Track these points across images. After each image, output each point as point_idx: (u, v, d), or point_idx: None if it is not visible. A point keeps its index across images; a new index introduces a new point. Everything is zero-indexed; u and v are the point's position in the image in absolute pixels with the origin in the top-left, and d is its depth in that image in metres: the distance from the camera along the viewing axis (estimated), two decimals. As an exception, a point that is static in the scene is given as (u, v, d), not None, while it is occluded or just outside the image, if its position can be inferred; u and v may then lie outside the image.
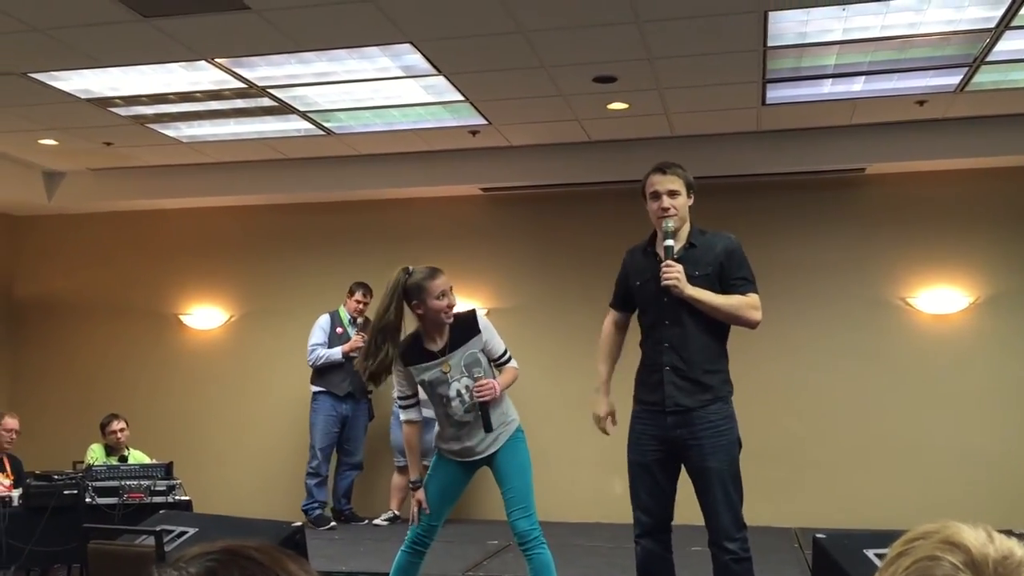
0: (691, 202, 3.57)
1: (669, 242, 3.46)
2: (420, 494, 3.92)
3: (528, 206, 7.73)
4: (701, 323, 3.46)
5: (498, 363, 3.99)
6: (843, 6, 4.80)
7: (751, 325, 3.50)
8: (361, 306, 7.10)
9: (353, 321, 7.14)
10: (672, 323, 3.45)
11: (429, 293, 3.81)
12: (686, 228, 3.56)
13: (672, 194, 3.51)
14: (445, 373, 3.85)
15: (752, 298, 3.47)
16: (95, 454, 6.47)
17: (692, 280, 3.45)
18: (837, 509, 6.78)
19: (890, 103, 6.32)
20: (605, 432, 3.70)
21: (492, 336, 3.96)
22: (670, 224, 3.47)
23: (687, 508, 3.69)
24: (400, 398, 3.99)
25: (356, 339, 6.89)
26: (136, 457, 6.51)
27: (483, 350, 3.91)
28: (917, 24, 5.06)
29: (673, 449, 3.49)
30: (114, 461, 6.27)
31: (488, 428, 3.86)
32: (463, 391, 3.85)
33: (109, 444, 6.54)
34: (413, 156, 7.44)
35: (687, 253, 3.52)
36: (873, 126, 6.78)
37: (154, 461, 6.08)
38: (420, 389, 3.94)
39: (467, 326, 3.91)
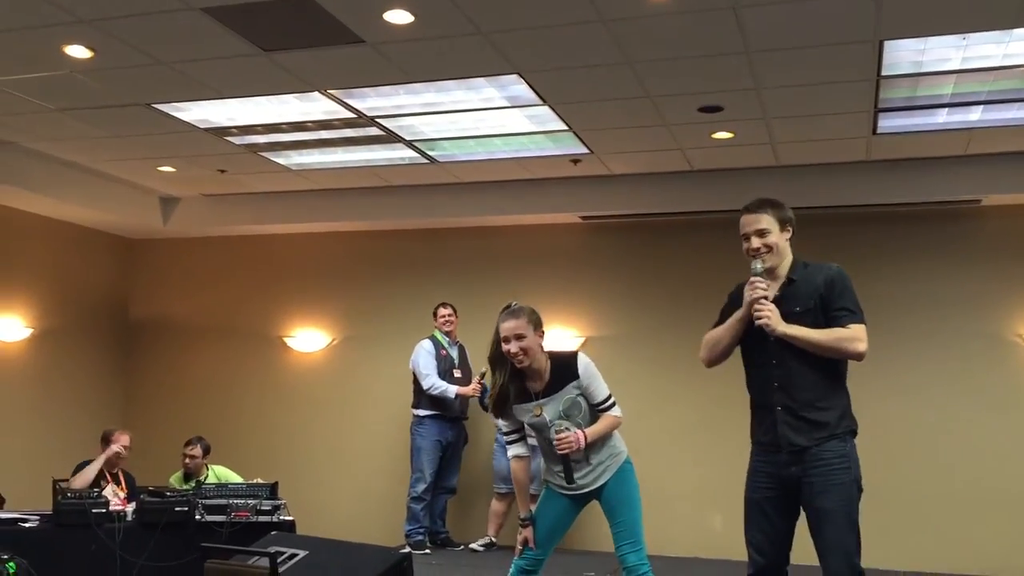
0: (788, 236, 3.49)
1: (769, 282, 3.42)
2: (528, 531, 3.86)
3: (627, 235, 7.71)
4: (807, 359, 3.36)
5: (599, 408, 3.86)
6: (962, 35, 4.67)
7: (855, 357, 3.39)
8: (449, 320, 7.22)
9: (452, 341, 7.22)
10: (779, 362, 3.36)
11: (499, 334, 3.80)
12: (786, 263, 3.48)
13: (761, 233, 3.44)
14: (537, 416, 3.82)
15: (853, 329, 3.34)
16: (175, 484, 6.44)
17: (791, 317, 3.36)
18: (948, 554, 6.51)
19: (1008, 133, 6.10)
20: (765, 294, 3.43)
21: (592, 380, 3.83)
22: (758, 265, 3.43)
23: (807, 549, 3.56)
24: (505, 433, 3.98)
25: (473, 387, 6.99)
26: (218, 474, 6.48)
27: (583, 394, 3.82)
28: (1041, 52, 4.89)
29: (787, 487, 3.39)
30: (190, 487, 6.27)
31: (570, 480, 3.83)
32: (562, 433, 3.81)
33: (185, 470, 6.55)
34: (514, 184, 7.51)
35: (787, 289, 3.44)
36: (989, 156, 6.55)
37: (256, 480, 6.19)
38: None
39: (566, 369, 3.83)
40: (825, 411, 3.36)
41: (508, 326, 3.78)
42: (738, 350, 3.59)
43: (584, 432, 3.77)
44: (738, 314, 3.46)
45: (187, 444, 6.61)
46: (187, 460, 6.54)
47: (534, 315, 3.83)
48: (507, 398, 3.84)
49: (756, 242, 3.43)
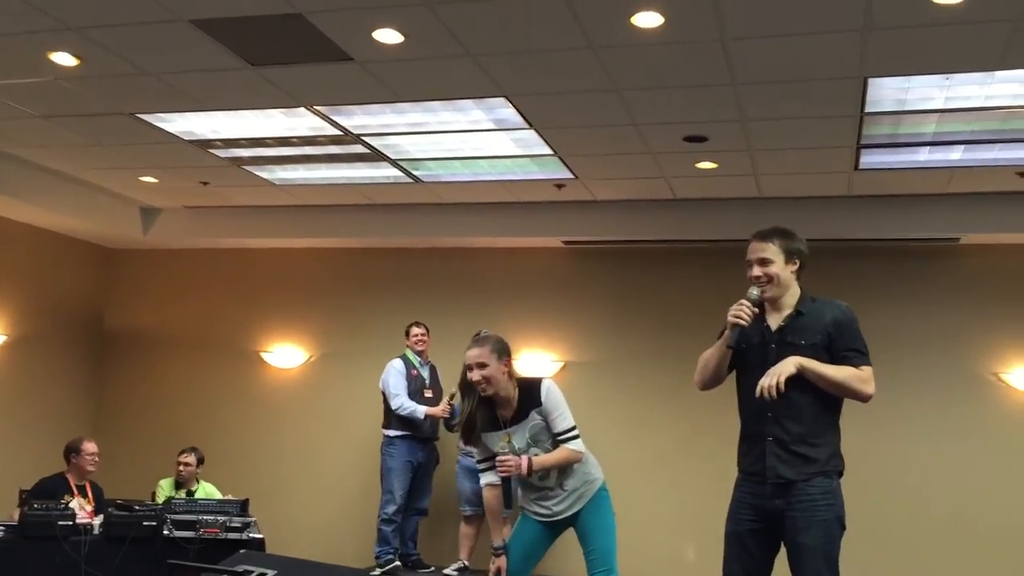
0: (794, 268, 3.47)
1: (755, 310, 3.39)
2: (501, 561, 3.82)
3: (610, 261, 7.72)
4: (808, 394, 3.32)
5: (559, 438, 3.81)
6: (946, 75, 4.73)
7: (862, 398, 3.37)
8: (421, 339, 7.19)
9: (423, 361, 7.19)
10: (778, 393, 3.33)
11: (465, 362, 3.80)
12: (793, 295, 3.47)
13: (763, 262, 3.43)
14: (506, 444, 3.79)
15: (864, 371, 3.34)
16: (165, 489, 6.56)
17: (795, 349, 3.34)
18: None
19: (989, 173, 6.17)
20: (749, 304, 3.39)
21: (555, 409, 3.80)
22: (754, 292, 3.41)
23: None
24: (478, 461, 3.96)
25: (442, 408, 6.96)
26: (206, 491, 6.59)
27: (545, 421, 3.80)
28: (1022, 96, 4.95)
29: (770, 520, 3.36)
30: (182, 495, 6.35)
31: (508, 505, 3.82)
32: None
33: (178, 478, 6.64)
34: (497, 207, 7.51)
35: (794, 322, 3.42)
36: (970, 195, 6.62)
37: (228, 496, 6.15)
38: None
39: (531, 396, 3.81)
40: (816, 447, 3.33)
41: (471, 354, 3.78)
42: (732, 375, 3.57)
43: (529, 459, 3.73)
44: (725, 335, 3.43)
45: (182, 452, 6.75)
46: (181, 468, 6.60)
47: (500, 344, 3.81)
48: (474, 425, 3.82)
49: (757, 270, 3.42)
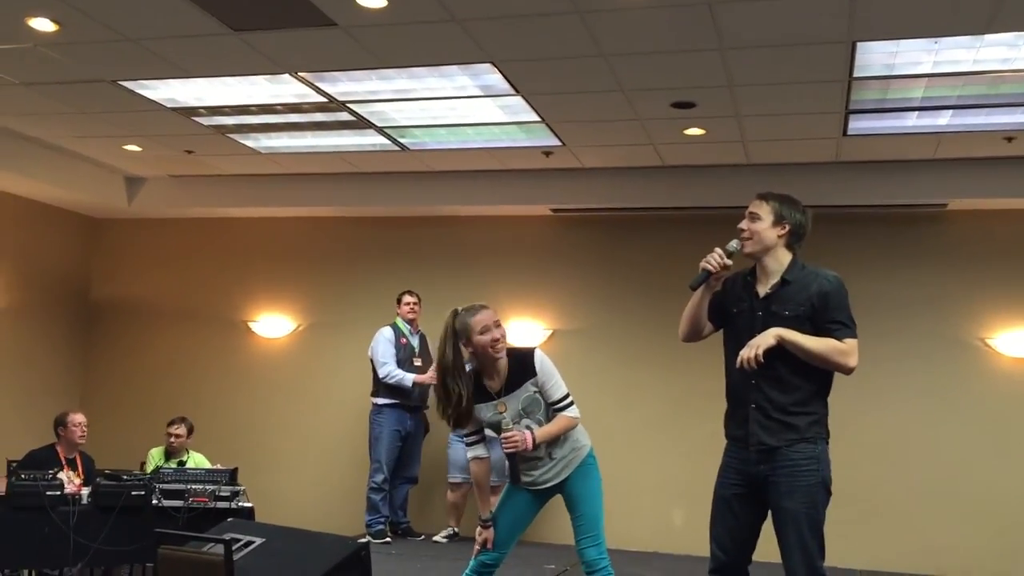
0: (782, 232, 3.45)
1: (727, 260, 3.45)
2: (489, 532, 3.82)
3: (598, 229, 7.70)
4: (791, 364, 3.32)
5: (555, 407, 3.81)
6: (934, 39, 4.70)
7: (844, 371, 3.37)
8: (414, 308, 7.17)
9: (414, 330, 7.18)
10: (764, 361, 3.33)
11: (472, 330, 3.74)
12: (782, 261, 3.46)
13: (752, 217, 3.46)
14: (501, 414, 3.79)
15: (847, 344, 3.33)
16: (155, 458, 6.58)
17: (779, 319, 3.34)
18: (905, 553, 6.59)
19: (977, 138, 6.16)
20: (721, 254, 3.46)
21: (550, 379, 3.80)
22: (733, 243, 3.46)
23: (772, 546, 3.56)
24: (465, 435, 3.95)
25: (431, 374, 6.93)
26: (196, 460, 6.60)
27: (539, 392, 3.80)
28: (1010, 60, 4.94)
29: (755, 485, 3.38)
30: (173, 465, 6.36)
31: (515, 480, 3.82)
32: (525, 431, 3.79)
33: (168, 448, 6.65)
34: (485, 174, 7.47)
35: (780, 291, 3.41)
36: (957, 161, 6.61)
37: (216, 466, 6.16)
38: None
39: (524, 366, 3.80)
40: (797, 416, 3.34)
41: (485, 315, 3.77)
42: (721, 342, 3.57)
43: (534, 434, 3.74)
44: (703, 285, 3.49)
45: (171, 423, 6.72)
46: (172, 440, 6.60)
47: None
48: (470, 412, 3.78)
49: (743, 223, 3.47)
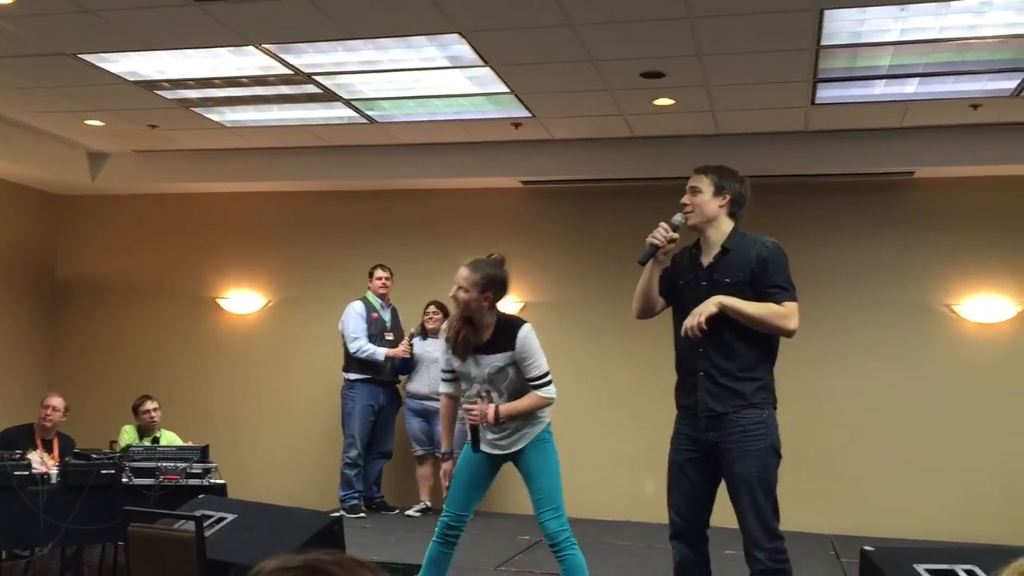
0: (722, 203, 3.52)
1: (673, 234, 3.54)
2: (448, 465, 4.07)
3: (568, 200, 7.68)
4: (737, 331, 3.41)
5: (531, 384, 3.87)
6: (901, 6, 4.71)
7: (785, 334, 3.44)
8: (386, 283, 7.14)
9: (385, 304, 7.15)
10: (709, 330, 3.39)
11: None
12: (722, 231, 3.52)
13: (693, 191, 3.57)
14: (469, 371, 3.90)
15: (786, 307, 3.40)
16: (128, 435, 6.54)
17: (722, 288, 3.42)
18: (874, 518, 6.67)
19: (943, 106, 6.20)
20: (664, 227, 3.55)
21: (530, 356, 3.84)
22: (677, 217, 3.56)
23: (728, 512, 3.62)
24: (443, 370, 4.10)
25: (403, 348, 6.92)
26: (168, 439, 6.56)
27: (514, 364, 3.85)
28: (976, 27, 4.96)
29: (706, 451, 3.46)
30: (147, 443, 6.32)
31: (475, 448, 3.91)
32: (483, 395, 3.90)
33: (142, 425, 6.60)
34: (454, 147, 7.42)
35: (721, 260, 3.49)
36: (924, 129, 6.66)
37: (188, 443, 6.12)
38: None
39: (507, 336, 3.86)
40: (744, 381, 3.42)
41: (461, 273, 3.89)
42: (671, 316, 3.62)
43: (496, 408, 3.82)
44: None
45: (144, 401, 6.64)
46: (153, 417, 6.54)
47: (487, 279, 3.86)
48: (468, 341, 3.89)
49: (685, 198, 3.58)
